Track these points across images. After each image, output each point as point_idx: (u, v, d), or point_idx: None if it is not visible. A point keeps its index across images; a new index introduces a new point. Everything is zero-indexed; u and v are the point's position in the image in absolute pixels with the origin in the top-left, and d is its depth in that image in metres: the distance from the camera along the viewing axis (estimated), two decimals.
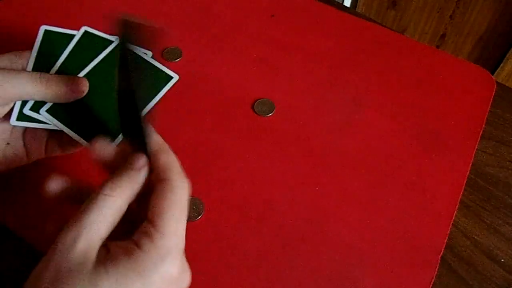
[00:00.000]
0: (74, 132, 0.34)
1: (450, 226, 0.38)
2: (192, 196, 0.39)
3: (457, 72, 0.50)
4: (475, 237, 0.39)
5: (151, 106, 0.37)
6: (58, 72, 0.36)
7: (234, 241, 0.37)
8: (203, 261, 0.36)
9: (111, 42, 0.38)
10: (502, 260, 0.38)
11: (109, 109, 0.36)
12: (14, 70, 0.33)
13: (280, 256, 0.36)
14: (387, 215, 0.39)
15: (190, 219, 0.38)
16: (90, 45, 0.38)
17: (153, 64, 0.40)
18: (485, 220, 0.40)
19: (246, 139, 0.43)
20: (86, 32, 0.38)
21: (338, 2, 0.59)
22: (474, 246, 0.38)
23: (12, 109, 0.33)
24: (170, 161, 0.27)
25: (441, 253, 0.37)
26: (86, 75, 0.36)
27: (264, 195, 0.40)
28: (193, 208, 0.38)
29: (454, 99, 0.47)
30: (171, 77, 0.40)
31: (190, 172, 0.41)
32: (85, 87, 0.34)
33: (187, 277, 0.27)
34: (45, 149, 0.36)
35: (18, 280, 0.24)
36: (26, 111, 0.34)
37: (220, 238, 0.37)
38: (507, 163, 0.44)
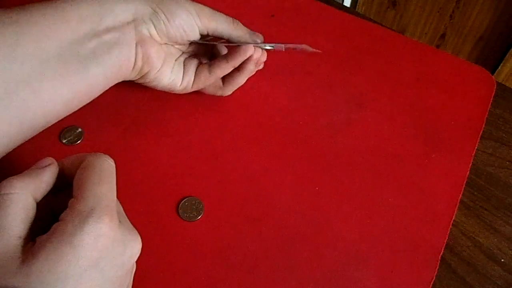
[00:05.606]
0: None
1: (450, 226, 0.39)
2: (192, 196, 0.39)
3: (457, 72, 0.50)
4: (475, 237, 0.39)
5: None
6: None
7: (234, 241, 0.37)
8: (203, 261, 0.36)
9: None
10: (502, 260, 0.38)
11: None
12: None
13: (280, 256, 0.36)
14: (387, 215, 0.39)
15: (190, 219, 0.38)
16: None
17: None
18: (485, 220, 0.40)
19: (246, 139, 0.43)
20: None
21: (338, 2, 0.59)
22: (474, 246, 0.38)
23: None
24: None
25: (441, 253, 0.37)
26: None
27: (264, 195, 0.40)
28: (193, 208, 0.38)
29: (454, 99, 0.47)
30: None
31: (190, 172, 0.41)
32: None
33: (134, 239, 0.26)
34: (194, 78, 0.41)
35: None
36: None
37: (220, 238, 0.37)
38: (507, 163, 0.44)
